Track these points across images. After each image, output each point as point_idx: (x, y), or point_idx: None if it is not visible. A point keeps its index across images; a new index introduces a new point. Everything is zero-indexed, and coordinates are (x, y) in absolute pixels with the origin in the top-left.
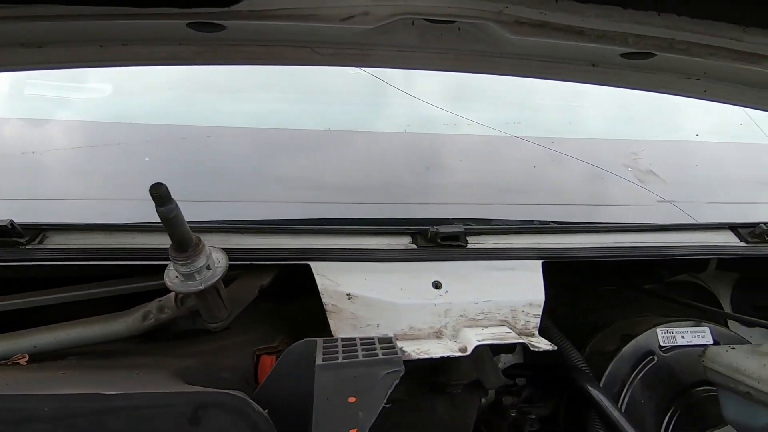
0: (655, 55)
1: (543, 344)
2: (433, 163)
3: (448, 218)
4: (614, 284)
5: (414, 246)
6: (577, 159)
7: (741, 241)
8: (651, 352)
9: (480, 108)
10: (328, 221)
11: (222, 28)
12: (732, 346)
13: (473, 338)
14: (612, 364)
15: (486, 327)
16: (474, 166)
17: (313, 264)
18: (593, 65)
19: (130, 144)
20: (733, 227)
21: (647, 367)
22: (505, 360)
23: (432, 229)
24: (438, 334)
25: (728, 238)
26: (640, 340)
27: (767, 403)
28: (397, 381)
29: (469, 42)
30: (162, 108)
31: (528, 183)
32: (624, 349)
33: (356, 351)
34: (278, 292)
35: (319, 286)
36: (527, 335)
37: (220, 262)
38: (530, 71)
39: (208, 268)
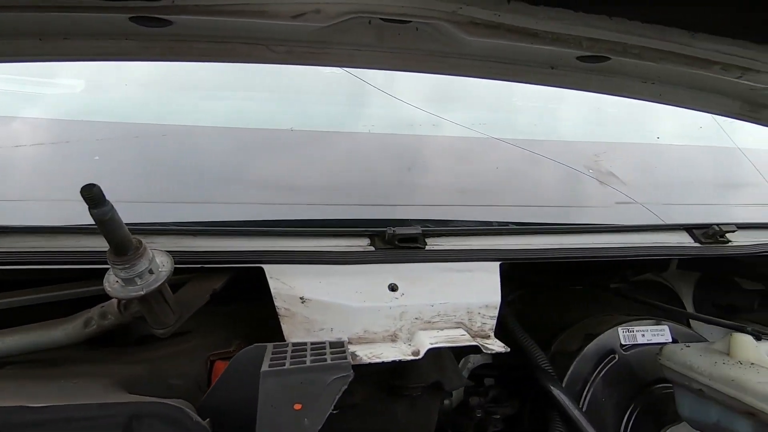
0: (610, 58)
1: (496, 346)
2: (397, 164)
3: (408, 219)
4: (581, 284)
5: (372, 248)
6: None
7: (695, 241)
8: (612, 351)
9: (447, 108)
10: (284, 223)
11: (168, 23)
12: (687, 344)
13: (426, 341)
14: (574, 363)
15: (441, 329)
16: (438, 167)
17: (266, 267)
18: (552, 68)
19: (80, 142)
20: (689, 228)
21: (608, 366)
22: (473, 360)
23: (389, 230)
24: (393, 337)
25: (683, 239)
26: (602, 339)
27: (718, 400)
28: (346, 386)
29: (428, 42)
30: (117, 106)
31: (491, 184)
32: (586, 348)
33: (305, 356)
34: (238, 294)
35: (272, 290)
36: (483, 337)
37: (164, 266)
38: (490, 73)
39: (151, 272)
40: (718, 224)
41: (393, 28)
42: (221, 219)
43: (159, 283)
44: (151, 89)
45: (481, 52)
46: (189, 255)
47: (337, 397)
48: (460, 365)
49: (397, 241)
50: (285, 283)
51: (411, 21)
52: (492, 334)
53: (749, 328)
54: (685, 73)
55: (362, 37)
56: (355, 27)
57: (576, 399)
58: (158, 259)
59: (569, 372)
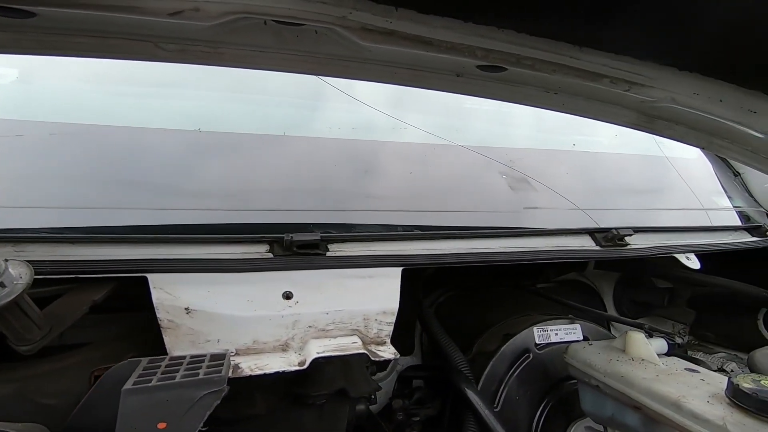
0: (507, 69)
1: (387, 353)
2: (311, 168)
3: (309, 224)
4: (507, 285)
5: (270, 255)
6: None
7: (596, 245)
8: (527, 350)
9: (355, 109)
10: (177, 228)
11: (31, 14)
12: (591, 342)
13: (314, 351)
14: (491, 363)
15: (335, 338)
16: (347, 171)
17: (151, 276)
18: (457, 75)
19: None
20: (591, 232)
21: (523, 365)
22: (402, 362)
23: (287, 237)
24: (284, 347)
25: (585, 243)
26: (518, 339)
27: (612, 396)
28: (219, 401)
29: (329, 45)
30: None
31: (402, 189)
32: (503, 348)
33: (178, 371)
34: (139, 302)
35: (154, 301)
36: (378, 343)
37: (21, 278)
38: (397, 78)
39: (3, 285)
40: (616, 228)
41: (291, 30)
42: (111, 224)
43: (12, 297)
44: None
45: (385, 57)
46: (64, 264)
47: (209, 412)
48: (389, 368)
49: (296, 247)
50: (170, 293)
51: (305, 24)
52: (388, 341)
53: (646, 326)
54: (581, 84)
55: (259, 38)
56: (249, 28)
57: (492, 398)
58: (14, 271)
59: (486, 372)
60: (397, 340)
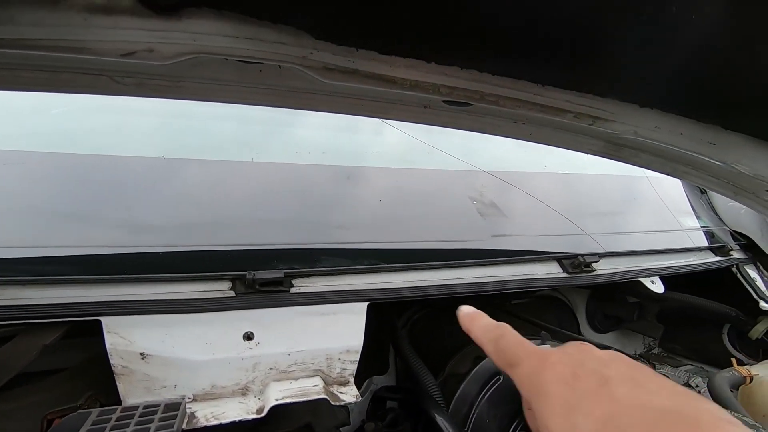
0: (471, 104)
1: (348, 396)
2: (276, 197)
3: (272, 258)
4: (481, 303)
5: (232, 293)
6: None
7: (564, 271)
8: (498, 373)
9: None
10: (133, 265)
11: None
12: None
13: (272, 397)
14: (462, 386)
15: (297, 379)
16: (315, 199)
17: (105, 320)
18: (425, 107)
19: None
20: (558, 258)
21: (494, 387)
22: (376, 381)
23: (249, 274)
24: (244, 391)
25: (552, 270)
26: (489, 362)
27: None
28: None
29: (294, 80)
30: None
31: (371, 218)
32: (474, 370)
33: (129, 425)
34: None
35: (108, 346)
36: (341, 384)
37: None
38: (364, 110)
39: None
40: (582, 255)
41: (253, 66)
42: (61, 262)
43: None
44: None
45: (351, 91)
46: (11, 310)
47: None
48: (362, 388)
49: (258, 285)
50: (124, 338)
51: (264, 63)
52: (351, 380)
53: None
54: (546, 118)
55: (220, 73)
56: (210, 63)
57: (463, 421)
58: None
59: (457, 395)
60: (371, 359)
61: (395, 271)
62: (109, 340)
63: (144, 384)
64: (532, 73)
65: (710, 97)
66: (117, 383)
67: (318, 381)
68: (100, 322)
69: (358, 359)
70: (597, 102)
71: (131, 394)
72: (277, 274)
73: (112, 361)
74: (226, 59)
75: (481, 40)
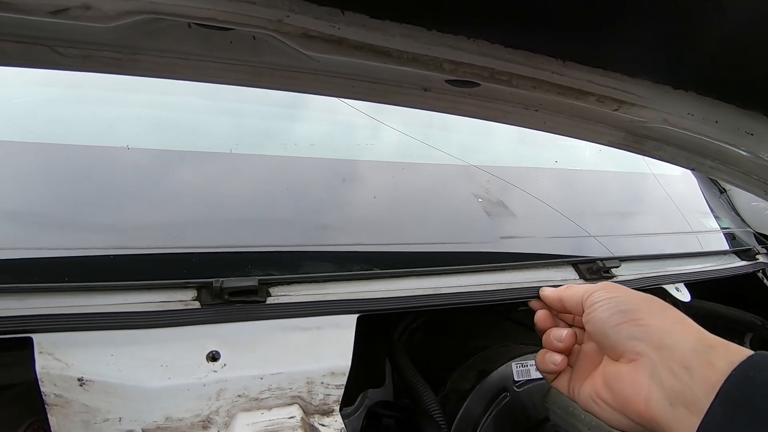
0: (479, 84)
1: (331, 430)
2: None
3: (246, 262)
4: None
5: (197, 303)
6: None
7: (580, 277)
8: (505, 389)
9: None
10: (77, 271)
11: None
12: None
13: None
14: (465, 404)
15: (270, 409)
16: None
17: (37, 337)
18: (425, 90)
19: None
20: (574, 263)
21: (500, 405)
22: (371, 396)
23: (216, 282)
24: (205, 423)
25: (568, 275)
26: (495, 377)
27: None
28: None
29: (271, 55)
30: None
31: (364, 217)
32: (478, 387)
33: None
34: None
35: (38, 370)
36: (324, 413)
37: None
38: (354, 93)
39: None
40: (601, 259)
41: (222, 35)
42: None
43: None
44: None
45: (338, 68)
46: None
47: None
48: (356, 403)
49: (227, 294)
50: (60, 360)
51: (233, 29)
52: (337, 408)
53: None
54: (564, 102)
55: (183, 44)
56: (168, 31)
57: None
58: None
59: (460, 413)
60: (366, 372)
61: (390, 277)
62: (41, 363)
63: (82, 416)
64: (552, 45)
65: (755, 80)
66: (48, 416)
67: (295, 411)
68: (31, 340)
69: (345, 383)
70: (625, 83)
71: (66, 428)
72: (251, 281)
73: (42, 389)
74: (188, 25)
75: (492, 3)
